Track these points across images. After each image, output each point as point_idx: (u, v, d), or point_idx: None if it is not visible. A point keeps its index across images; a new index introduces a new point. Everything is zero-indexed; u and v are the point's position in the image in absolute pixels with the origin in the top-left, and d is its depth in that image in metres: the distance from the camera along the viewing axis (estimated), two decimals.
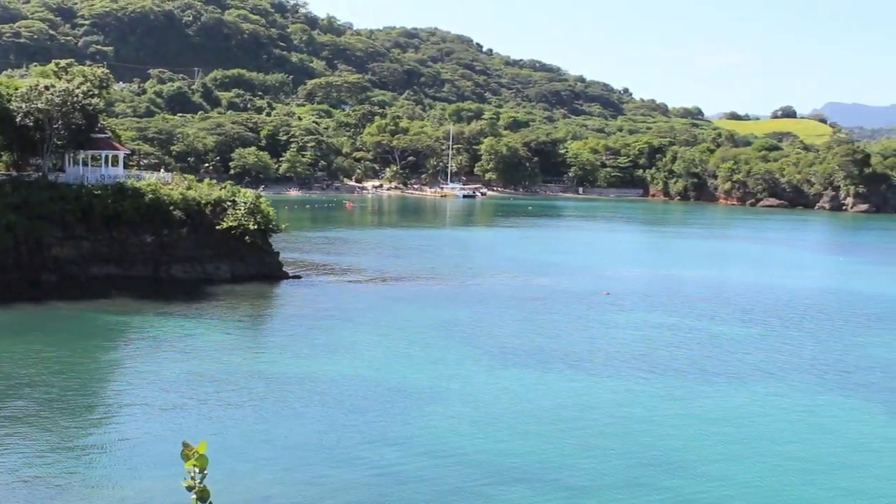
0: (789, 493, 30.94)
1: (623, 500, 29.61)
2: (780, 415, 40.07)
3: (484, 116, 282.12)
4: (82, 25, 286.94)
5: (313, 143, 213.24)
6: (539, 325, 58.31)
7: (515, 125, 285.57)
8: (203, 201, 71.27)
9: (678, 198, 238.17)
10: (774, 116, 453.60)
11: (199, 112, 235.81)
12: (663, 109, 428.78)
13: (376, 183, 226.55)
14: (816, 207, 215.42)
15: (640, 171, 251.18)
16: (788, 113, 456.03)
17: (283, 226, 77.58)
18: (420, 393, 41.33)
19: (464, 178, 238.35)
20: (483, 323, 58.25)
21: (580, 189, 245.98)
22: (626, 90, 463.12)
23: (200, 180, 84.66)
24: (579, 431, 36.53)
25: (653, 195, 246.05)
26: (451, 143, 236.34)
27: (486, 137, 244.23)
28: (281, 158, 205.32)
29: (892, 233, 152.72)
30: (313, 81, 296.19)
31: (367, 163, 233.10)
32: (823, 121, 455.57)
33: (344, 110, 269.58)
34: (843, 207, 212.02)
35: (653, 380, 45.03)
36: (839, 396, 43.33)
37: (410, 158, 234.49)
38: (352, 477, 30.99)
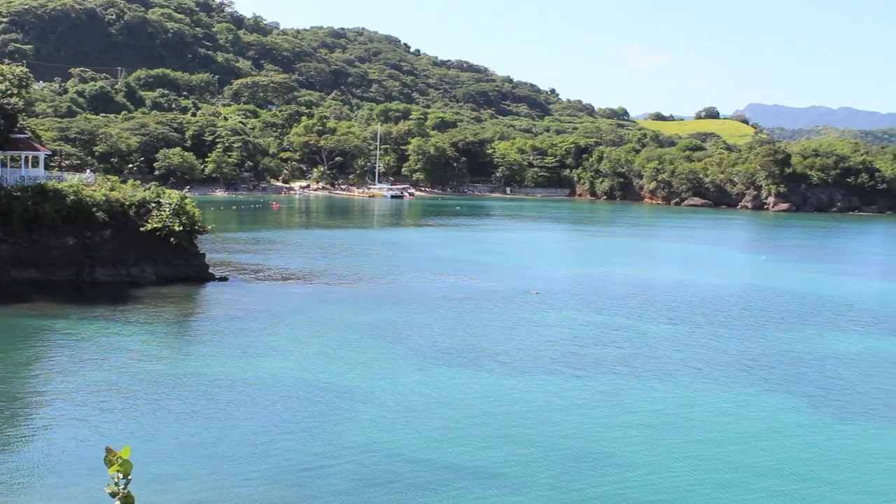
0: (716, 485, 31.36)
1: (551, 496, 29.73)
2: (707, 409, 40.66)
3: (411, 117, 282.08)
4: (0, 23, 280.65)
5: (239, 144, 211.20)
6: (469, 324, 58.41)
7: (443, 125, 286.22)
8: (127, 203, 70.05)
9: (604, 197, 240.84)
10: (698, 117, 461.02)
11: (123, 112, 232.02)
12: (590, 110, 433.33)
13: (304, 183, 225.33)
14: (739, 206, 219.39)
15: (567, 171, 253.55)
16: (712, 114, 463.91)
17: (210, 227, 76.63)
18: (351, 393, 41.12)
19: (391, 178, 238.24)
20: (413, 323, 58.17)
21: (508, 189, 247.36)
22: (553, 91, 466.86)
23: (124, 181, 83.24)
24: (509, 429, 36.62)
25: (579, 195, 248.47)
26: (378, 143, 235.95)
27: (413, 138, 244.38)
28: (207, 159, 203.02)
29: (810, 231, 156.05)
30: (239, 81, 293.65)
31: (295, 163, 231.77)
32: (745, 122, 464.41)
33: (270, 110, 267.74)
34: (765, 206, 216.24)
35: (582, 377, 45.37)
36: (763, 390, 44.10)
37: (338, 159, 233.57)
38: (282, 479, 30.69)
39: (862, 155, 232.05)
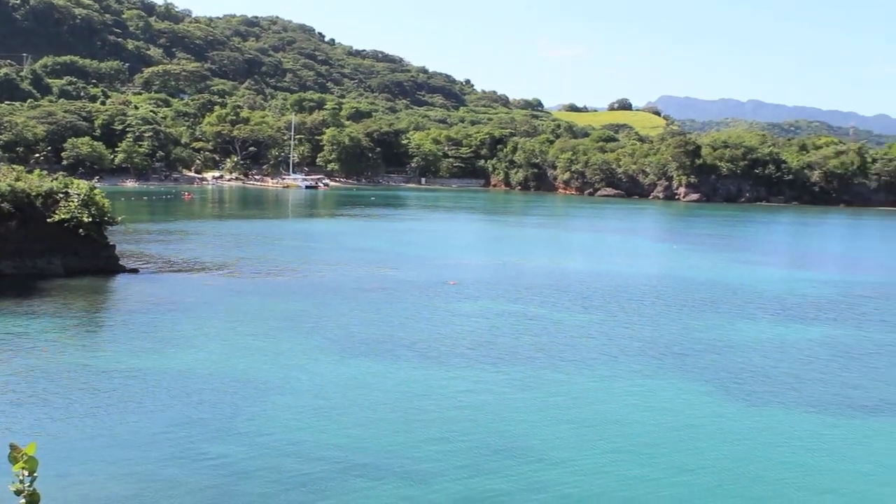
0: (630, 473, 31.69)
1: (468, 487, 29.72)
2: (623, 397, 41.09)
3: (326, 107, 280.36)
4: None
5: (150, 133, 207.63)
6: (386, 314, 58.22)
7: (358, 116, 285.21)
8: (33, 193, 68.19)
9: (519, 188, 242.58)
10: (611, 109, 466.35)
11: (29, 100, 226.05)
12: (504, 101, 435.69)
13: (216, 174, 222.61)
14: (651, 197, 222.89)
15: (482, 161, 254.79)
16: (624, 105, 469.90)
17: (120, 218, 75.17)
18: (267, 385, 40.65)
19: (306, 168, 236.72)
20: (329, 313, 57.77)
21: (423, 179, 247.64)
22: (468, 81, 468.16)
23: (30, 171, 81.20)
24: (426, 420, 36.56)
25: (494, 185, 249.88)
26: (292, 133, 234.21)
27: (328, 128, 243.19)
28: (117, 149, 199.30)
29: (720, 221, 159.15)
30: (150, 69, 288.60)
31: (207, 153, 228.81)
32: (657, 113, 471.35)
33: (182, 99, 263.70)
34: (676, 197, 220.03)
35: (499, 366, 45.52)
36: (678, 378, 44.76)
37: (252, 149, 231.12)
38: (197, 473, 30.17)
39: (769, 147, 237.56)
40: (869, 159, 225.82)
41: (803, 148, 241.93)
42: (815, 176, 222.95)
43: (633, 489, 30.41)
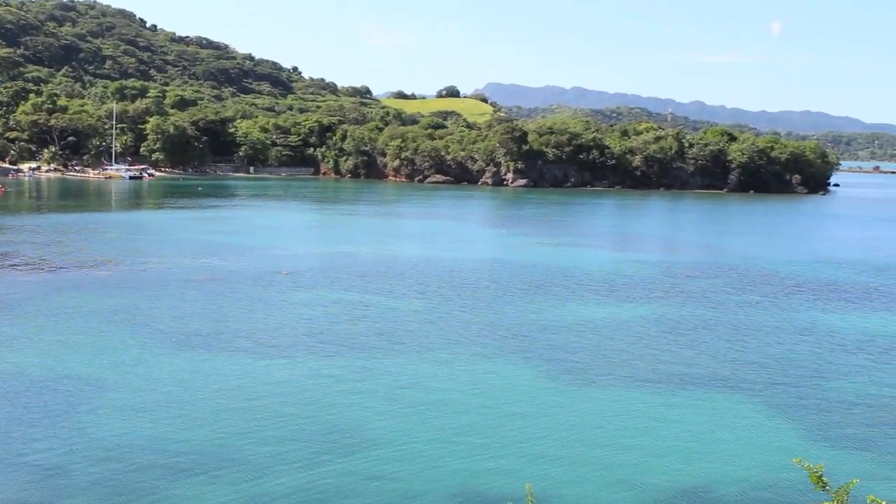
0: (469, 455, 32.00)
1: (305, 480, 29.37)
2: (464, 380, 41.53)
3: (149, 95, 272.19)
4: None
5: None
6: (220, 305, 57.02)
7: (183, 104, 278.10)
8: None
9: (349, 175, 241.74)
10: (439, 96, 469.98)
11: None
12: (332, 88, 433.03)
13: (33, 165, 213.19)
14: (480, 183, 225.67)
15: (311, 149, 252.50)
16: (452, 92, 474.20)
17: None
18: (99, 383, 39.15)
19: (129, 158, 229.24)
20: (161, 306, 56.15)
21: (251, 168, 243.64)
22: (295, 69, 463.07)
23: None
24: (265, 411, 35.98)
25: (324, 173, 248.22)
26: (114, 122, 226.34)
27: (152, 116, 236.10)
28: None
29: (546, 206, 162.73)
30: None
31: (23, 143, 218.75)
32: (485, 100, 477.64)
33: None
34: (504, 183, 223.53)
35: (339, 354, 45.26)
36: (520, 358, 45.69)
37: (71, 139, 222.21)
38: (23, 476, 28.78)
39: (592, 133, 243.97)
40: (686, 144, 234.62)
41: (625, 134, 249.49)
42: (637, 161, 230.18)
43: (471, 471, 30.68)
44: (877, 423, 37.24)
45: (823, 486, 8.99)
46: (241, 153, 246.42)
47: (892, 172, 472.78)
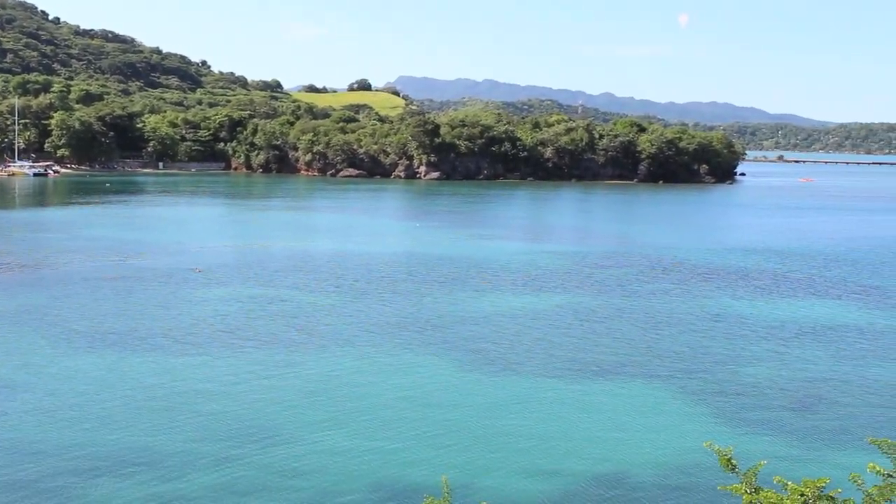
0: (388, 448, 32.05)
1: (221, 478, 29.07)
2: (384, 372, 41.62)
3: (53, 89, 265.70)
4: None
5: None
6: (133, 304, 56.07)
7: (88, 98, 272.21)
8: None
9: (260, 170, 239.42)
10: (351, 89, 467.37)
11: None
12: (243, 82, 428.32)
13: None
14: (393, 176, 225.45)
15: (222, 144, 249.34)
16: (364, 86, 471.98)
17: None
18: (7, 384, 38.22)
19: (34, 155, 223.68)
20: (71, 306, 54.99)
21: (160, 164, 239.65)
22: (204, 63, 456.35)
23: None
24: (179, 411, 35.52)
25: (235, 168, 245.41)
26: (17, 117, 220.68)
27: (56, 112, 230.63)
28: None
29: (459, 198, 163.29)
30: None
31: None
32: (397, 94, 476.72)
33: None
34: (417, 176, 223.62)
35: (255, 350, 44.93)
36: (442, 349, 45.91)
37: None
38: None
39: (504, 125, 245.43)
40: (597, 136, 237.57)
41: (536, 126, 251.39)
42: (549, 152, 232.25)
43: (389, 464, 30.75)
44: (785, 407, 38.29)
45: (733, 469, 9.22)
46: (149, 149, 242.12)
47: (796, 161, 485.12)
